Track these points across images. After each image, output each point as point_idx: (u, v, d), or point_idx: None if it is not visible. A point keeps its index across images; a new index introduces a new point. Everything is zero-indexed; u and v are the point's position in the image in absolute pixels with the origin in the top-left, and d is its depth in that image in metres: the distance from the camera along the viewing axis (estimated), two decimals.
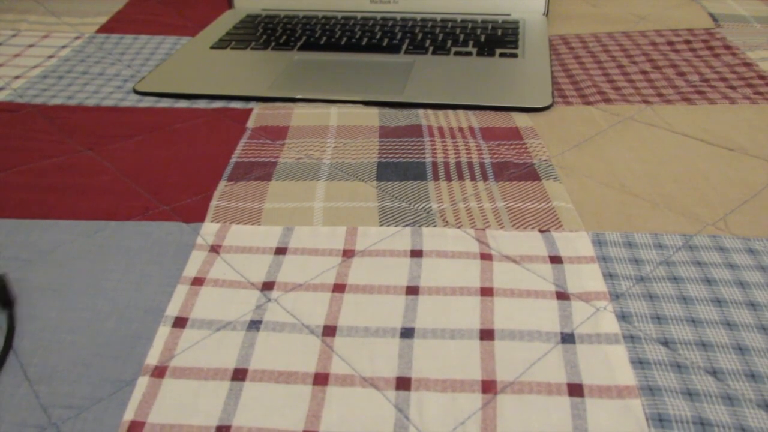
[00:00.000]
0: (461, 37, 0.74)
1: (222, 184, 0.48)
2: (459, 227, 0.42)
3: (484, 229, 0.42)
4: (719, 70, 0.65)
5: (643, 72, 0.66)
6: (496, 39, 0.73)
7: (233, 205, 0.46)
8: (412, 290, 0.37)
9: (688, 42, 0.73)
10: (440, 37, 0.73)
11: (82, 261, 0.41)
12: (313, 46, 0.72)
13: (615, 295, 0.37)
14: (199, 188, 0.48)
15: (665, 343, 0.34)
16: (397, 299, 0.37)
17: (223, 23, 0.80)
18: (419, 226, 0.43)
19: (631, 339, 0.34)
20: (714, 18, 0.79)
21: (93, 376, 0.34)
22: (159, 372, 0.33)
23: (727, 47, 0.71)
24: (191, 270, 0.40)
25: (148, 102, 0.63)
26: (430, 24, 0.78)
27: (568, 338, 0.34)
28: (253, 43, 0.74)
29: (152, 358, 0.34)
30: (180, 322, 0.36)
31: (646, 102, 0.59)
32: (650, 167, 0.49)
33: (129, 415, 0.31)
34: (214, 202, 0.46)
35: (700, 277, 0.38)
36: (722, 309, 0.36)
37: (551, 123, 0.56)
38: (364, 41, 0.73)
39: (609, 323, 0.35)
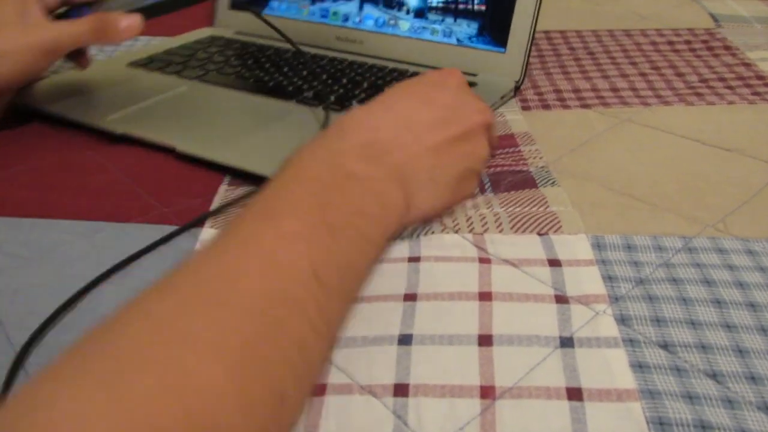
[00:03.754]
0: None
1: (223, 189, 0.48)
2: (457, 232, 0.42)
3: (482, 234, 0.42)
4: (718, 71, 0.65)
5: (642, 74, 0.66)
6: None
7: (234, 209, 0.46)
8: (410, 297, 0.37)
9: (688, 42, 0.73)
10: (377, 84, 0.62)
11: (81, 261, 0.41)
12: (219, 78, 0.64)
13: (614, 297, 0.37)
14: (199, 191, 0.48)
15: (665, 346, 0.34)
16: (395, 306, 0.37)
17: (181, 39, 0.76)
18: (417, 235, 0.42)
19: (630, 342, 0.34)
20: (715, 18, 0.79)
21: None
22: None
23: (727, 48, 0.71)
24: None
25: None
26: (374, 70, 0.65)
27: (567, 342, 0.34)
28: (173, 65, 0.68)
29: None
30: None
31: (644, 104, 0.59)
32: (648, 169, 0.49)
33: None
34: (214, 206, 0.46)
35: (699, 279, 0.38)
36: (722, 310, 0.36)
37: (549, 127, 0.56)
38: (293, 84, 0.62)
39: (608, 327, 0.35)
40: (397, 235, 0.42)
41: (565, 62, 0.70)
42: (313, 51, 0.71)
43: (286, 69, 0.66)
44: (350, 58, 0.68)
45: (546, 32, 0.79)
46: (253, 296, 0.28)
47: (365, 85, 0.62)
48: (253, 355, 0.26)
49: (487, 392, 0.32)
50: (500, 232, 0.42)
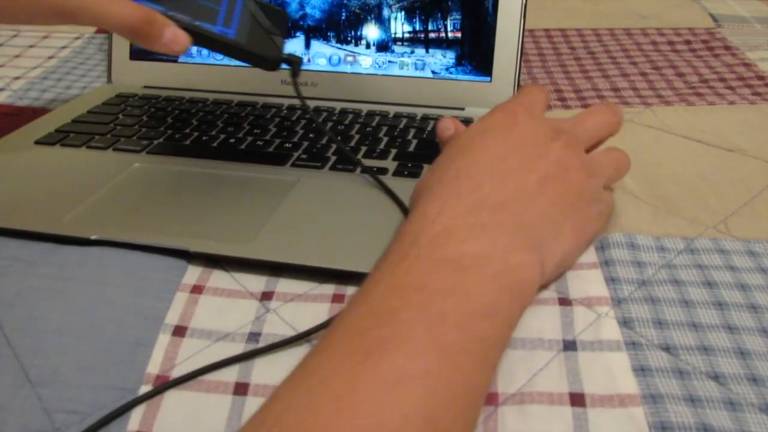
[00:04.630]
0: (383, 141, 0.53)
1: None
2: None
3: None
4: (718, 71, 0.66)
5: (643, 73, 0.66)
6: (432, 146, 0.52)
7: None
8: None
9: (688, 42, 0.73)
10: (354, 139, 0.54)
11: (83, 264, 0.41)
12: (169, 148, 0.53)
13: (617, 300, 0.37)
14: None
15: (667, 348, 0.34)
16: None
17: (82, 103, 0.62)
18: None
19: (632, 346, 0.34)
20: (714, 18, 0.79)
21: (96, 381, 0.34)
22: (161, 381, 0.33)
23: (727, 48, 0.71)
24: (191, 277, 0.40)
25: None
26: (349, 118, 0.57)
27: (570, 345, 0.34)
28: (96, 137, 0.55)
29: (153, 367, 0.34)
30: (179, 331, 0.36)
31: (645, 104, 0.59)
32: (650, 170, 0.49)
33: (134, 426, 0.31)
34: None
35: (701, 280, 0.38)
36: (723, 312, 0.36)
37: None
38: (246, 143, 0.53)
39: (611, 330, 0.35)
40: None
41: (566, 61, 0.70)
42: (254, 99, 0.61)
43: (245, 125, 0.56)
44: (309, 104, 0.58)
45: (546, 30, 0.79)
46: None
47: (355, 139, 0.53)
48: None
49: (489, 399, 0.32)
50: None
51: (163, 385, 0.33)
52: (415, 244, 0.31)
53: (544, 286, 0.38)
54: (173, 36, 0.40)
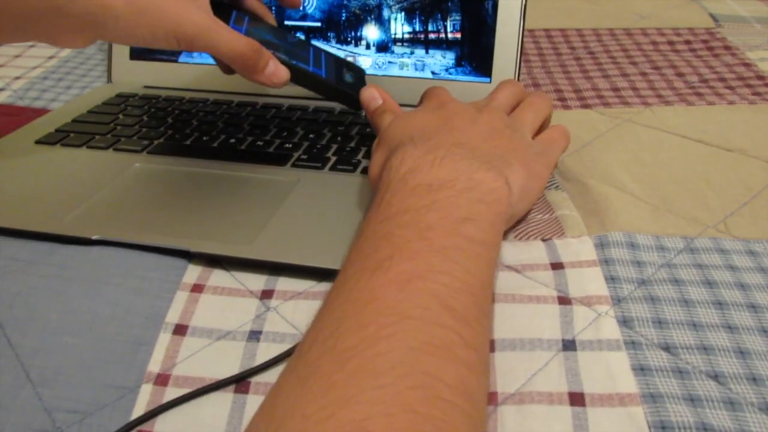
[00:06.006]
0: None
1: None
2: None
3: None
4: (718, 71, 0.66)
5: (643, 73, 0.66)
6: None
7: None
8: None
9: (688, 42, 0.73)
10: (354, 140, 0.53)
11: (82, 264, 0.41)
12: (170, 148, 0.53)
13: (617, 299, 0.37)
14: None
15: (666, 348, 0.34)
16: None
17: (82, 103, 0.62)
18: None
19: (632, 345, 0.34)
20: (714, 18, 0.79)
21: (96, 380, 0.34)
22: (162, 380, 0.33)
23: (727, 47, 0.71)
24: (191, 277, 0.40)
25: None
26: (349, 119, 0.57)
27: (569, 345, 0.34)
28: (96, 137, 0.55)
29: (154, 365, 0.34)
30: (180, 330, 0.36)
31: (645, 104, 0.59)
32: (650, 170, 0.49)
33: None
34: None
35: (700, 280, 0.38)
36: (723, 312, 0.36)
37: None
38: (246, 143, 0.53)
39: (610, 329, 0.35)
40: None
41: (566, 61, 0.70)
42: (254, 99, 0.61)
43: (246, 125, 0.56)
44: (309, 104, 0.59)
45: (546, 30, 0.79)
46: (395, 362, 0.25)
47: (356, 139, 0.54)
48: (424, 422, 0.24)
49: (489, 399, 0.32)
50: (504, 239, 0.42)
51: (158, 407, 0.32)
52: (388, 188, 0.35)
53: (520, 219, 0.43)
54: (276, 68, 0.44)
